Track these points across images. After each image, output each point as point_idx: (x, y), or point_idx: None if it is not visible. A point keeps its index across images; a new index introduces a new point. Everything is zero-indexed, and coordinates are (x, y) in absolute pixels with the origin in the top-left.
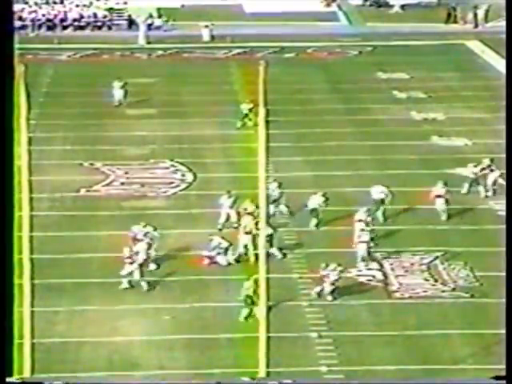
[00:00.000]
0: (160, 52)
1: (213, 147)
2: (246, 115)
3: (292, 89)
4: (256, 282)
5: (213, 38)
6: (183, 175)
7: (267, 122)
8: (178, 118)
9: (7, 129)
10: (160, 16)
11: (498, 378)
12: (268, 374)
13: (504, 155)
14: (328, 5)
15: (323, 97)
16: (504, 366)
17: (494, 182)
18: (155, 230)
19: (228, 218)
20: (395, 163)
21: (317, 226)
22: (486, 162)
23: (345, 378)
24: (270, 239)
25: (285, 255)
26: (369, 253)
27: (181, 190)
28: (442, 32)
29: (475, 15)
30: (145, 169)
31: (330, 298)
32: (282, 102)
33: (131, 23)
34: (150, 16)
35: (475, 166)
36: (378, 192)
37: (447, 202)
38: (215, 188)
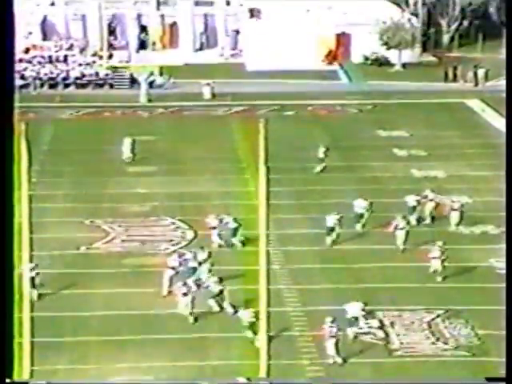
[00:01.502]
0: (161, 110)
1: (213, 204)
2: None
3: (292, 146)
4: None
5: (214, 95)
6: (183, 232)
7: (268, 180)
8: (179, 176)
9: (8, 186)
10: (161, 74)
11: (497, 379)
12: None
13: (504, 213)
14: (329, 63)
15: (323, 154)
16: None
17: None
18: None
19: None
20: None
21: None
22: (427, 192)
23: None
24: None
25: (236, 312)
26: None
27: (181, 248)
28: (443, 90)
29: (475, 74)
30: (145, 226)
31: (335, 357)
32: (282, 159)
33: (133, 81)
34: (152, 74)
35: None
36: (359, 206)
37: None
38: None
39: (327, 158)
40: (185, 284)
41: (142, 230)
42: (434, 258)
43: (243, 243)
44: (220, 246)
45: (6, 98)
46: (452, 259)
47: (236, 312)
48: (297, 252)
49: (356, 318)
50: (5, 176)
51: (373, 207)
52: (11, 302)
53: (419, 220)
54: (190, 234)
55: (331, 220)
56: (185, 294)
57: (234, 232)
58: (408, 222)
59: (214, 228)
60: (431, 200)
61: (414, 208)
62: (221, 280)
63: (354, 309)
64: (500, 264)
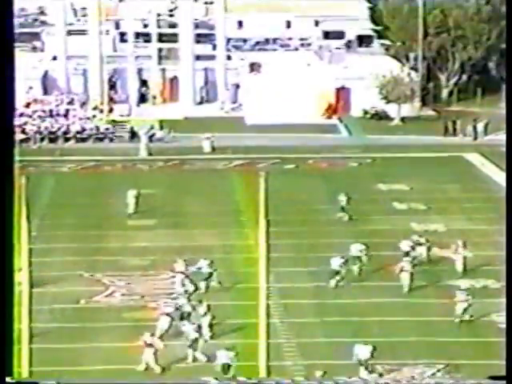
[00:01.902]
0: (161, 163)
1: (214, 258)
2: None
3: (292, 200)
4: None
5: (214, 149)
6: (184, 286)
7: (268, 233)
8: (179, 229)
9: (8, 240)
10: (162, 128)
11: (497, 378)
12: None
13: (504, 267)
14: (329, 117)
15: (324, 207)
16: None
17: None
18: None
19: None
20: (397, 274)
21: None
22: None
23: None
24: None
25: (209, 359)
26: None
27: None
28: (442, 144)
29: (474, 128)
30: (145, 280)
31: None
32: (282, 212)
33: (133, 135)
34: (152, 128)
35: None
36: (356, 249)
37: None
38: (215, 299)
39: (348, 207)
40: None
41: (142, 283)
42: (460, 301)
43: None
44: (186, 291)
45: (7, 152)
46: (451, 313)
47: (209, 360)
48: (297, 305)
49: (365, 361)
50: (5, 229)
51: (369, 251)
52: (11, 303)
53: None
54: (190, 288)
55: (336, 262)
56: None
57: (208, 277)
58: (414, 266)
59: (182, 273)
60: (421, 244)
61: (408, 253)
62: (199, 328)
63: (363, 351)
64: (501, 318)
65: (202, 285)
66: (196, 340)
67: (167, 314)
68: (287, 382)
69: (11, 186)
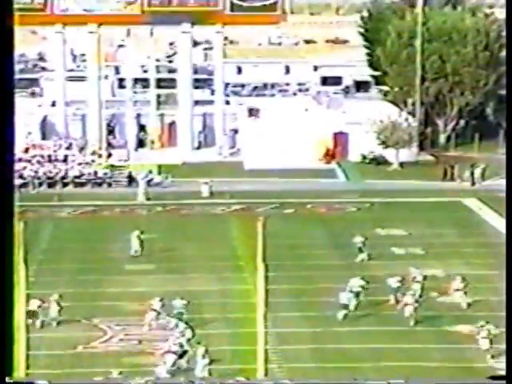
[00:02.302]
0: (159, 208)
1: (212, 302)
2: None
3: (291, 244)
4: None
5: (212, 194)
6: (182, 331)
7: (266, 278)
8: (177, 274)
9: (7, 287)
10: (160, 173)
11: (497, 377)
12: None
13: (504, 313)
14: (327, 162)
15: (322, 252)
16: None
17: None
18: None
19: None
20: (394, 318)
21: None
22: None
23: None
24: None
25: None
26: None
27: (180, 346)
28: (440, 189)
29: (472, 173)
30: (143, 325)
31: None
32: (281, 257)
33: (131, 180)
34: (150, 173)
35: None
36: (355, 285)
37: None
38: (215, 344)
39: (365, 248)
40: None
41: (140, 328)
42: (483, 337)
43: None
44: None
45: (6, 198)
46: (452, 359)
47: None
48: (294, 350)
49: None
50: (4, 275)
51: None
52: (11, 304)
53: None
54: (188, 333)
55: (344, 297)
56: None
57: (179, 314)
58: (417, 301)
59: (154, 310)
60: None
61: (398, 288)
62: None
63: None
64: (500, 365)
65: (173, 322)
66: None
67: (173, 352)
68: (286, 382)
69: (11, 230)
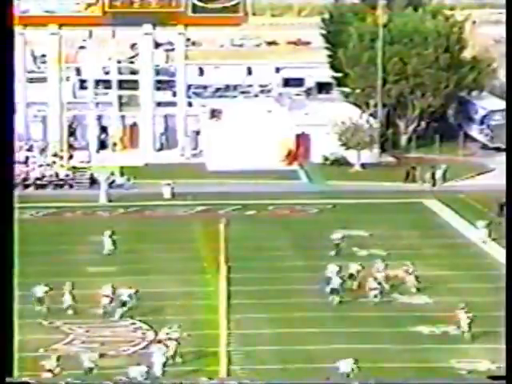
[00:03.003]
0: (121, 210)
1: (175, 304)
2: None
3: (253, 246)
4: None
5: (174, 195)
6: (144, 333)
7: (229, 279)
8: (140, 276)
9: (7, 287)
10: (122, 174)
11: (497, 377)
12: None
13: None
14: (289, 163)
15: (285, 253)
16: None
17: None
18: None
19: None
20: (357, 320)
21: None
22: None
23: None
24: None
25: None
26: None
27: (141, 349)
28: (401, 191)
29: (433, 175)
30: (105, 327)
31: None
32: (243, 259)
33: (93, 182)
34: (112, 174)
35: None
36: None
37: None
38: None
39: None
40: None
41: (103, 330)
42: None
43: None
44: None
45: (6, 198)
46: (412, 360)
47: None
48: (258, 352)
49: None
50: (4, 275)
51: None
52: (11, 303)
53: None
54: (150, 335)
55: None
56: None
57: (123, 304)
58: (379, 283)
59: (107, 296)
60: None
61: (352, 275)
62: None
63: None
64: (461, 365)
65: (118, 312)
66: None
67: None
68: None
69: (11, 231)
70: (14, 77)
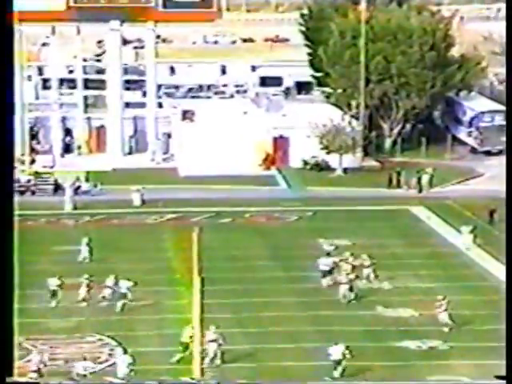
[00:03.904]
0: (87, 218)
1: (145, 319)
2: None
3: (229, 256)
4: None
5: (144, 202)
6: (112, 350)
7: (202, 292)
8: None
9: (7, 287)
10: (88, 180)
11: (497, 377)
12: None
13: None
14: (267, 168)
15: (262, 264)
16: None
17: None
18: None
19: None
20: (339, 334)
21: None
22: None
23: None
24: None
25: None
26: None
27: (109, 366)
28: (386, 197)
29: (419, 180)
30: (70, 343)
31: None
32: (217, 269)
33: (57, 188)
34: (77, 180)
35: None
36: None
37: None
38: (147, 362)
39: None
40: None
41: (67, 347)
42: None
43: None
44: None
45: (6, 201)
46: (398, 376)
47: None
48: (233, 368)
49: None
50: (5, 275)
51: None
52: (11, 303)
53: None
54: (119, 351)
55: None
56: None
57: (123, 297)
58: (350, 280)
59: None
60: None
61: (330, 271)
62: None
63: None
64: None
65: (119, 304)
66: None
67: None
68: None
69: (11, 234)
70: (14, 76)
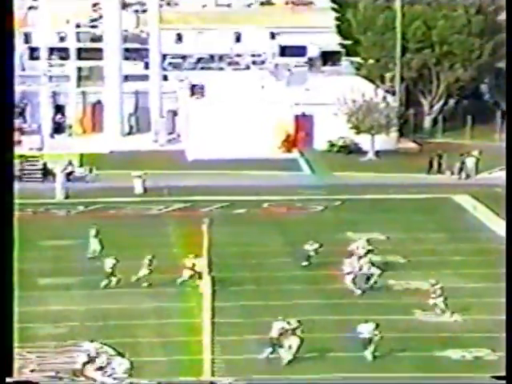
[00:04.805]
0: (81, 208)
1: (147, 324)
2: None
3: (243, 252)
4: None
5: (146, 190)
6: (108, 359)
7: (213, 293)
8: (103, 289)
9: (7, 287)
10: (81, 164)
11: (497, 377)
12: None
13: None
14: (287, 151)
15: (281, 261)
16: None
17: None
18: None
19: None
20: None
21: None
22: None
23: None
24: None
25: None
26: None
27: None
28: (425, 184)
29: (463, 164)
30: (61, 352)
31: None
32: (230, 268)
33: (46, 173)
34: (70, 164)
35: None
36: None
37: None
38: (151, 374)
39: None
40: None
41: (57, 356)
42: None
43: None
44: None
45: (6, 197)
46: None
47: None
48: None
49: (370, 340)
50: (4, 275)
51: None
52: (11, 302)
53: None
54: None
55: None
56: None
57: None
58: (360, 268)
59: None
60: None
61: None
62: None
63: (366, 329)
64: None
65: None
66: None
67: None
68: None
69: (10, 231)
70: (14, 75)
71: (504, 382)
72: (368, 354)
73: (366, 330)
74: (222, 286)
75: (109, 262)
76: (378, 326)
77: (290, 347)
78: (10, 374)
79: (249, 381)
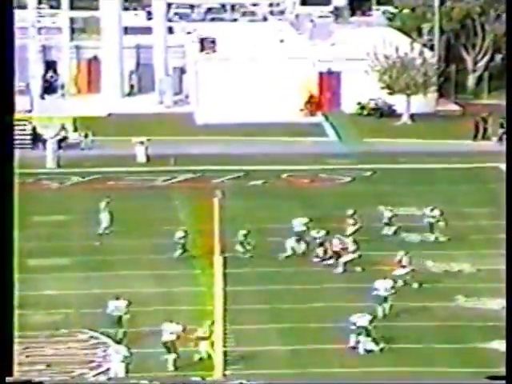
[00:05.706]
0: (76, 178)
1: (150, 311)
2: None
3: (260, 229)
4: None
5: (149, 159)
6: (105, 351)
7: (225, 276)
8: (102, 271)
9: (7, 287)
10: (76, 129)
11: (497, 378)
12: None
13: None
14: (311, 114)
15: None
16: None
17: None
18: None
19: None
20: (408, 331)
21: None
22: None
23: None
24: None
25: None
26: None
27: (103, 372)
28: (468, 151)
29: None
30: (54, 342)
31: None
32: (245, 248)
33: (36, 139)
34: (63, 129)
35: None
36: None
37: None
38: (158, 367)
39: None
40: None
41: (50, 347)
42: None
43: None
44: None
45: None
46: None
47: None
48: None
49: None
50: (4, 275)
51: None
52: (11, 302)
53: None
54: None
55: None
56: None
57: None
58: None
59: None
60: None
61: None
62: None
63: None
64: None
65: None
66: None
67: None
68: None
69: (10, 227)
70: (14, 74)
71: (504, 382)
72: (380, 311)
73: (382, 286)
74: (236, 267)
75: (178, 234)
76: (395, 283)
77: None
78: (10, 374)
79: (259, 381)
